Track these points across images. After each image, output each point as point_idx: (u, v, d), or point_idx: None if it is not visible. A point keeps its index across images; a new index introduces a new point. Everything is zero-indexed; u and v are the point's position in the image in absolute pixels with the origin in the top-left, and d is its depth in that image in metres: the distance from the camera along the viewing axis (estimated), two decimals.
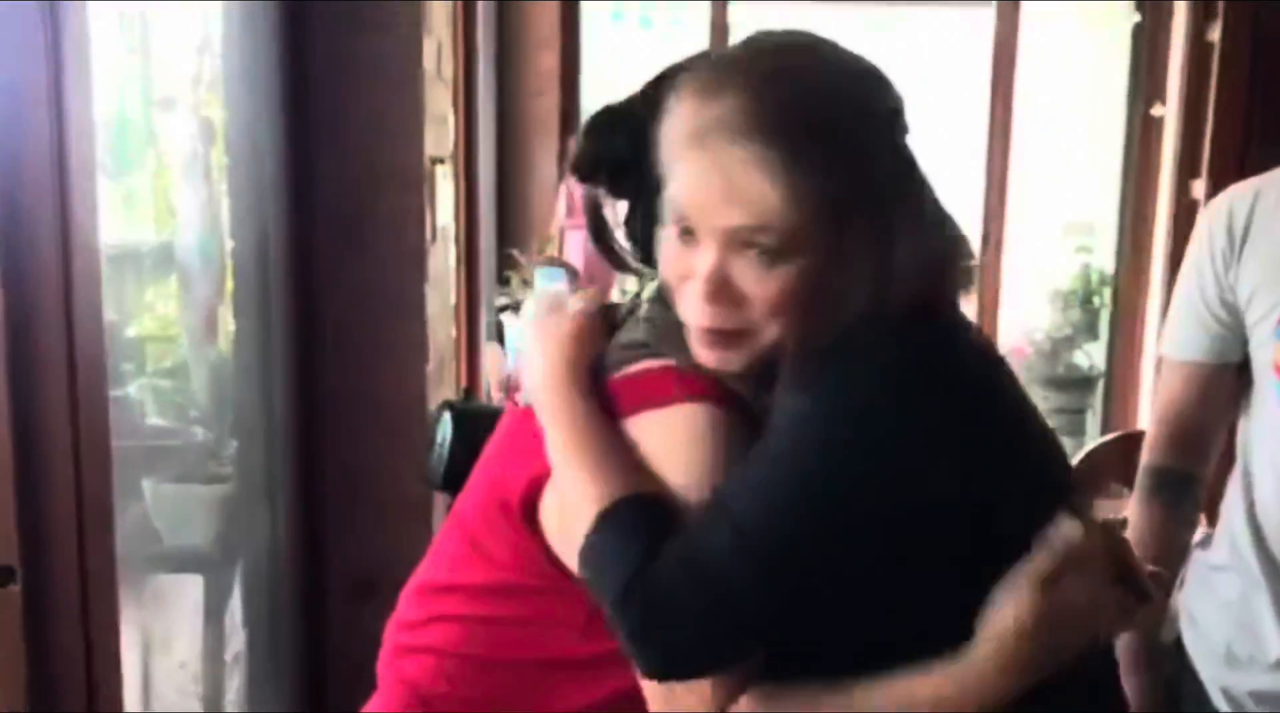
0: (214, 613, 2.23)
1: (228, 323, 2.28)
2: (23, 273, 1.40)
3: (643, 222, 1.17)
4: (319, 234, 2.24)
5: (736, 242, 1.02)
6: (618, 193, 1.19)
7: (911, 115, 1.10)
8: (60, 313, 1.42)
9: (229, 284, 2.25)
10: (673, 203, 1.06)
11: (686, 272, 1.06)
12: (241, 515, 2.26)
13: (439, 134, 2.40)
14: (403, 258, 2.28)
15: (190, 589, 2.20)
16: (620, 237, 1.20)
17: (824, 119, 1.02)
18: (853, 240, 1.03)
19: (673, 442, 1.07)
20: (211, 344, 2.32)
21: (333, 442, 2.32)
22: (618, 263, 1.22)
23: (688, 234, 1.05)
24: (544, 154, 3.97)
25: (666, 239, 1.08)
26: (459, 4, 2.74)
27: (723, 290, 1.04)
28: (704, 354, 1.07)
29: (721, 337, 1.06)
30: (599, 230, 1.22)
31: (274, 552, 2.31)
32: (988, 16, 4.74)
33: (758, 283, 1.03)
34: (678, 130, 1.06)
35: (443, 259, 2.49)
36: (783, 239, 1.01)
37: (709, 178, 1.02)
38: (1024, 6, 4.62)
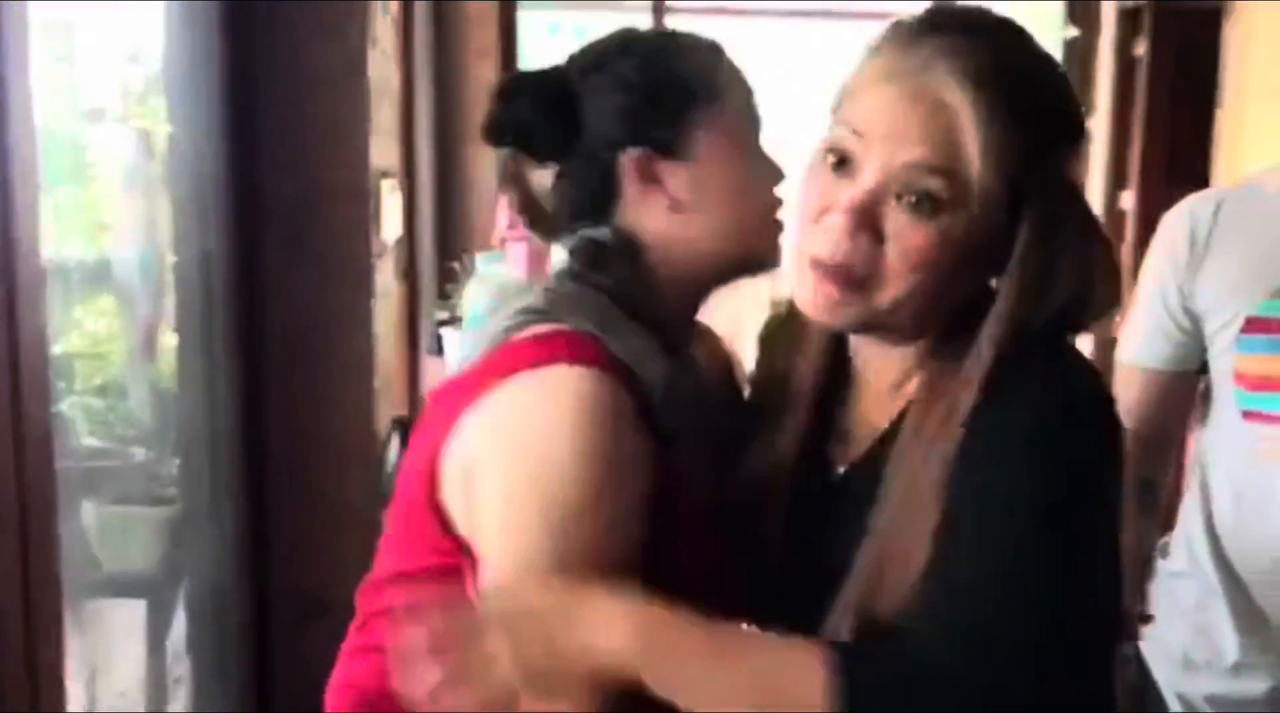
0: (157, 638, 2.17)
1: (168, 340, 2.22)
2: None
3: (566, 188, 1.16)
4: (264, 249, 2.19)
5: (901, 181, 0.98)
6: (534, 157, 1.18)
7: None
8: (5, 330, 1.37)
9: (170, 300, 2.19)
10: (842, 128, 1.02)
11: (829, 203, 1.01)
12: (185, 538, 2.20)
13: (384, 146, 2.36)
14: (349, 273, 2.24)
15: (132, 615, 2.14)
16: (546, 204, 1.18)
17: (1034, 86, 1.00)
18: (1023, 223, 1.00)
19: (548, 405, 1.02)
20: (151, 362, 2.26)
21: (280, 460, 2.26)
22: (543, 230, 1.20)
23: (843, 165, 1.01)
24: (484, 165, 3.93)
25: (814, 167, 1.04)
26: (400, 14, 2.70)
27: (866, 224, 0.99)
28: (814, 297, 1.02)
29: (842, 279, 1.00)
30: (523, 199, 1.19)
31: (219, 573, 2.25)
32: None
33: (908, 228, 0.99)
34: (870, 70, 1.02)
35: (390, 274, 2.45)
36: (953, 189, 0.97)
37: (899, 109, 0.98)
38: None
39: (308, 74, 2.13)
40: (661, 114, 1.12)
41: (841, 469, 1.13)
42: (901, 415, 1.06)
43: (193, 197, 2.14)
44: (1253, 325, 1.59)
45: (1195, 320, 1.66)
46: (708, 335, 1.31)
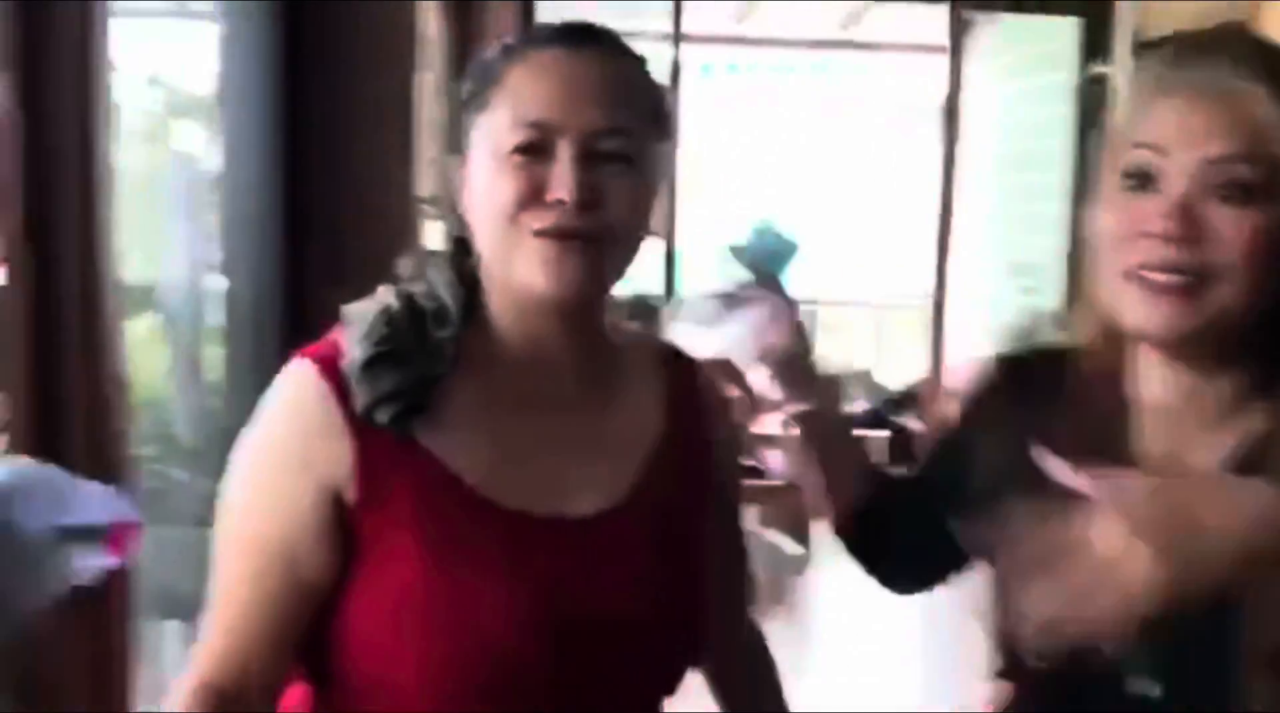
0: None
1: (215, 362, 2.24)
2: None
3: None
4: (310, 277, 2.20)
5: (1211, 176, 0.99)
6: None
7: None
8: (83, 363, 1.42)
9: (218, 322, 2.21)
10: (1135, 149, 1.02)
11: (1140, 220, 1.01)
12: None
13: (428, 174, 2.39)
14: None
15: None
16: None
17: None
18: None
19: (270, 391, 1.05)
20: (195, 383, 2.28)
21: None
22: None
23: (1146, 183, 1.01)
24: None
25: (1112, 195, 1.04)
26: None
27: (1189, 224, 0.99)
28: (1149, 310, 1.01)
29: (1175, 286, 1.00)
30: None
31: None
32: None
33: (1228, 219, 0.99)
34: (1146, 92, 1.04)
35: None
36: (1262, 173, 0.99)
37: (1191, 112, 1.00)
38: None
39: (358, 104, 2.15)
40: (460, 122, 1.10)
41: None
42: (1238, 453, 1.03)
43: (242, 221, 2.16)
44: None
45: None
46: (686, 376, 1.20)
